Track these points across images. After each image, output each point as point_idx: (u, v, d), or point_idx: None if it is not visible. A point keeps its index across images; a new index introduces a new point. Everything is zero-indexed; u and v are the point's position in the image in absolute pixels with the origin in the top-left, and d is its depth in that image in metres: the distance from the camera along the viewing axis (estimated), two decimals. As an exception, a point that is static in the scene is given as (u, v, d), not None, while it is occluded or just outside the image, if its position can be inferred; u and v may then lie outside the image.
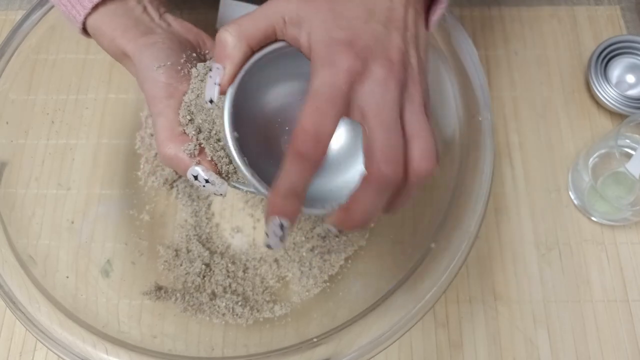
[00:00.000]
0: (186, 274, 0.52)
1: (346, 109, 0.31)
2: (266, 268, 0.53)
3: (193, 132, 0.36)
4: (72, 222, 0.53)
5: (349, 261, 0.53)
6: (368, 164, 0.31)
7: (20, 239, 0.46)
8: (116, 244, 0.54)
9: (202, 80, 0.37)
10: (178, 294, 0.50)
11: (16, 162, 0.52)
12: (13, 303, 0.42)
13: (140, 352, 0.41)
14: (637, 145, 0.56)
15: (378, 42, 0.32)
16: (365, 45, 0.31)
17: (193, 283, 0.51)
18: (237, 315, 0.49)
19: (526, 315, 0.52)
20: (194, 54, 0.40)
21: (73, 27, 0.41)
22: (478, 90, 0.46)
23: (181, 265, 0.52)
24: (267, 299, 0.51)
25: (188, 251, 0.53)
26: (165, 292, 0.50)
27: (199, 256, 0.53)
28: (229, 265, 0.53)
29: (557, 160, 0.58)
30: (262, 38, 0.34)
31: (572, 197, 0.56)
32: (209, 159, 0.36)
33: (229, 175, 0.37)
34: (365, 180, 0.31)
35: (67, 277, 0.48)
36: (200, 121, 0.36)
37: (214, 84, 0.34)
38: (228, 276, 0.52)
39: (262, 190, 0.34)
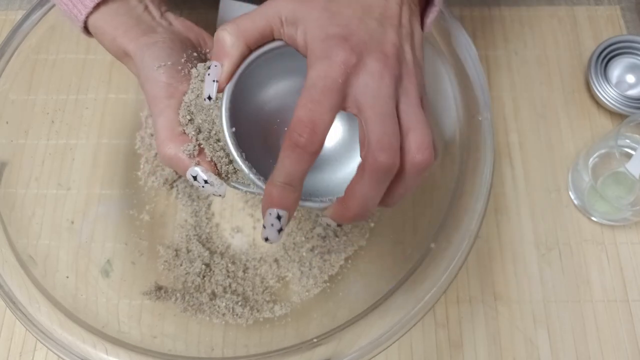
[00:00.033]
0: (186, 274, 0.52)
1: (342, 101, 0.31)
2: (266, 268, 0.53)
3: (193, 132, 0.36)
4: (72, 222, 0.53)
5: (349, 261, 0.53)
6: (364, 153, 0.31)
7: (20, 239, 0.46)
8: (116, 244, 0.54)
9: (202, 80, 0.37)
10: (178, 294, 0.50)
11: (16, 162, 0.52)
12: (13, 303, 0.42)
13: (140, 352, 0.41)
14: (637, 145, 0.56)
15: (373, 38, 0.32)
16: (360, 40, 0.32)
17: (193, 283, 0.51)
18: (237, 315, 0.49)
19: (526, 315, 0.52)
20: (195, 53, 0.40)
21: (74, 26, 0.41)
22: (478, 90, 0.46)
23: (181, 265, 0.52)
24: (267, 299, 0.51)
25: (188, 251, 0.53)
26: (165, 292, 0.50)
27: (199, 256, 0.53)
28: (229, 265, 0.53)
29: (557, 160, 0.58)
30: (260, 37, 0.35)
31: (572, 197, 0.56)
32: (209, 159, 0.36)
33: (229, 176, 0.37)
34: (361, 169, 0.31)
35: (67, 277, 0.48)
36: (200, 121, 0.36)
37: (212, 81, 0.35)
38: (228, 276, 0.52)
39: (260, 184, 0.34)
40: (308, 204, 0.35)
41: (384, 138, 0.31)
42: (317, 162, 0.39)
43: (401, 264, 0.43)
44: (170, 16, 0.42)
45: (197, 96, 0.37)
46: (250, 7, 0.51)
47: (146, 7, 0.41)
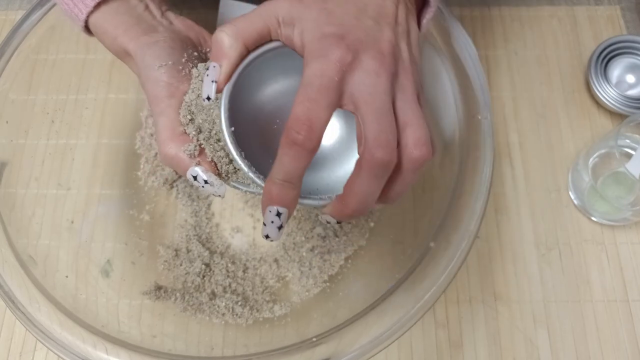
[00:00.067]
0: (186, 273, 0.52)
1: (338, 99, 0.31)
2: (266, 268, 0.53)
3: (193, 132, 0.36)
4: (72, 222, 0.53)
5: (349, 261, 0.53)
6: (361, 150, 0.31)
7: (20, 239, 0.46)
8: (116, 244, 0.54)
9: (202, 80, 0.37)
10: (178, 294, 0.50)
11: (16, 162, 0.52)
12: (13, 303, 0.42)
13: (140, 352, 0.41)
14: (637, 145, 0.56)
15: (369, 36, 0.33)
16: (356, 38, 0.32)
17: (193, 283, 0.51)
18: (236, 315, 0.49)
19: (526, 315, 0.52)
20: (195, 53, 0.40)
21: (75, 25, 0.41)
22: (478, 90, 0.46)
23: (181, 265, 0.52)
24: (267, 298, 0.51)
25: (188, 251, 0.53)
26: (165, 292, 0.50)
27: (198, 256, 0.53)
28: (229, 265, 0.53)
29: (557, 160, 0.58)
30: (258, 38, 0.35)
31: (572, 197, 0.56)
32: (209, 159, 0.36)
33: (229, 175, 0.37)
34: (359, 166, 0.31)
35: (67, 276, 0.48)
36: (200, 121, 0.36)
37: (211, 82, 0.35)
38: (228, 276, 0.52)
39: (259, 182, 0.34)
40: (307, 201, 0.35)
41: (381, 134, 0.31)
42: (316, 161, 0.39)
43: (401, 264, 0.43)
44: (171, 15, 0.42)
45: (198, 96, 0.37)
46: (250, 7, 0.51)
47: (147, 7, 0.41)
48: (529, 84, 0.62)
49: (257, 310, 0.50)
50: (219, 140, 0.36)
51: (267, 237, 0.33)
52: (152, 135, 0.58)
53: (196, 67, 0.38)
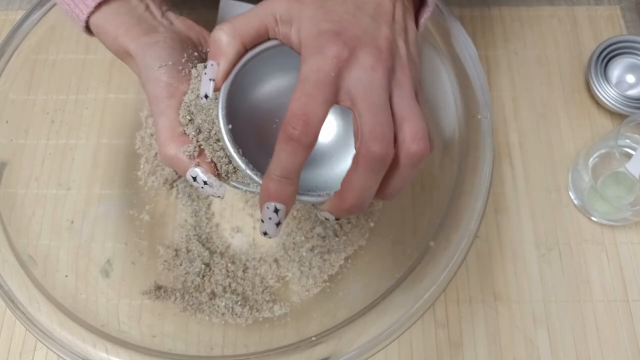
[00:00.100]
0: (186, 273, 0.52)
1: (335, 95, 0.31)
2: (266, 268, 0.53)
3: (193, 133, 0.36)
4: (72, 222, 0.53)
5: (349, 261, 0.53)
6: (357, 144, 0.32)
7: (20, 239, 0.46)
8: (116, 244, 0.54)
9: (201, 81, 0.37)
10: (177, 294, 0.50)
11: (16, 162, 0.52)
12: (13, 303, 0.42)
13: (140, 351, 0.41)
14: (637, 145, 0.56)
15: (366, 33, 0.33)
16: (353, 35, 0.32)
17: (193, 283, 0.51)
18: (236, 314, 0.49)
19: (526, 315, 0.52)
20: (195, 53, 0.40)
21: (76, 25, 0.41)
22: (478, 90, 0.46)
23: (181, 265, 0.52)
24: (267, 298, 0.51)
25: (188, 251, 0.53)
26: (164, 292, 0.50)
27: (198, 256, 0.53)
28: (229, 265, 0.53)
29: (557, 160, 0.58)
30: (255, 36, 0.35)
31: (572, 197, 0.56)
32: (209, 160, 0.36)
33: (229, 175, 0.37)
34: (355, 160, 0.32)
35: (67, 276, 0.48)
36: (200, 121, 0.36)
37: (209, 80, 0.35)
38: (228, 276, 0.52)
39: (257, 179, 0.34)
40: (305, 198, 0.35)
41: (377, 128, 0.31)
42: (314, 158, 0.39)
43: (401, 264, 0.43)
44: (171, 15, 0.43)
45: (197, 96, 0.37)
46: (249, 6, 0.51)
47: (147, 7, 0.41)
48: (529, 84, 0.62)
49: (257, 310, 0.50)
50: (218, 140, 0.36)
51: (265, 233, 0.33)
52: (152, 135, 0.58)
53: (196, 67, 0.38)
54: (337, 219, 0.35)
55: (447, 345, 0.51)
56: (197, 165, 0.36)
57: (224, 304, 0.49)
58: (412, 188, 0.52)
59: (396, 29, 0.34)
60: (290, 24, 0.34)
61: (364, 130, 0.31)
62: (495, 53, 0.63)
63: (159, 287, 0.51)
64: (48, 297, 0.43)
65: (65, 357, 0.40)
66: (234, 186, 0.37)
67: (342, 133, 0.41)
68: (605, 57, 0.60)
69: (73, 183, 0.55)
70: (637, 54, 0.61)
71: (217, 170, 0.37)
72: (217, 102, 0.35)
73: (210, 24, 0.45)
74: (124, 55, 0.40)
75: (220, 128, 0.35)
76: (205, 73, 0.35)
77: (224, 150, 0.36)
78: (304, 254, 0.52)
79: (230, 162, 0.36)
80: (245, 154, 0.35)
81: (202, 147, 0.36)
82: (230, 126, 0.35)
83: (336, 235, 0.53)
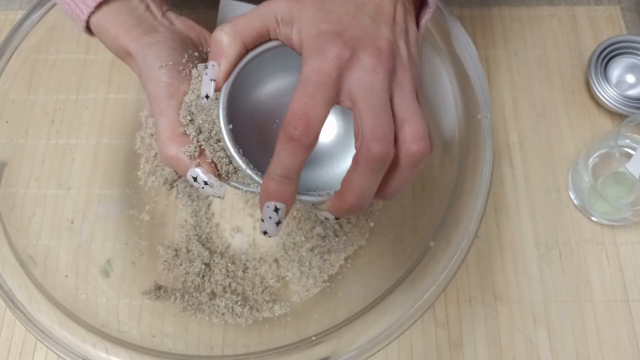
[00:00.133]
0: (186, 273, 0.52)
1: (336, 95, 0.32)
2: (266, 268, 0.53)
3: (193, 133, 0.36)
4: (72, 222, 0.53)
5: (349, 261, 0.53)
6: (357, 145, 0.32)
7: (20, 239, 0.46)
8: (116, 244, 0.54)
9: (202, 81, 0.37)
10: (177, 294, 0.50)
11: (16, 162, 0.52)
12: (13, 303, 0.42)
13: (140, 351, 0.41)
14: (637, 145, 0.56)
15: (367, 34, 0.33)
16: (353, 36, 0.32)
17: (193, 283, 0.51)
18: (236, 314, 0.49)
19: (526, 315, 0.52)
20: (196, 53, 0.40)
21: (76, 25, 0.41)
22: (478, 90, 0.46)
23: (181, 265, 0.52)
24: (267, 298, 0.51)
25: (188, 251, 0.53)
26: (164, 292, 0.50)
27: (198, 256, 0.53)
28: (229, 265, 0.53)
29: (557, 160, 0.58)
30: (256, 37, 0.35)
31: (572, 197, 0.56)
32: (209, 160, 0.36)
33: (229, 176, 0.37)
34: (355, 160, 0.32)
35: (67, 276, 0.48)
36: (200, 122, 0.36)
37: (210, 80, 0.35)
38: (228, 276, 0.52)
39: (257, 179, 0.34)
40: (305, 197, 0.35)
41: (377, 128, 0.31)
42: (314, 158, 0.39)
43: (401, 264, 0.43)
44: (172, 15, 0.43)
45: (198, 97, 0.37)
46: (250, 7, 0.51)
47: (148, 7, 0.41)
48: (529, 84, 0.62)
49: (257, 310, 0.50)
50: (218, 140, 0.36)
51: (265, 232, 0.33)
52: (152, 135, 0.58)
53: (196, 67, 0.38)
54: (337, 219, 0.35)
55: (447, 345, 0.51)
56: (198, 165, 0.36)
57: (224, 304, 0.49)
58: (412, 188, 0.52)
59: (397, 30, 0.34)
60: (291, 25, 0.34)
61: (365, 131, 0.31)
62: (495, 53, 0.63)
63: (159, 287, 0.51)
64: (48, 297, 0.43)
65: (65, 357, 0.40)
66: (235, 186, 0.37)
67: (342, 133, 0.41)
68: (605, 57, 0.60)
69: (73, 183, 0.55)
70: (637, 54, 0.61)
71: (218, 170, 0.37)
72: (218, 103, 0.35)
73: (210, 24, 0.45)
74: (124, 55, 0.40)
75: (221, 128, 0.35)
76: (206, 73, 0.35)
77: (224, 151, 0.36)
78: (304, 254, 0.52)
79: (230, 162, 0.36)
80: (246, 154, 0.35)
81: (202, 147, 0.36)
82: (230, 126, 0.35)
83: (336, 235, 0.53)
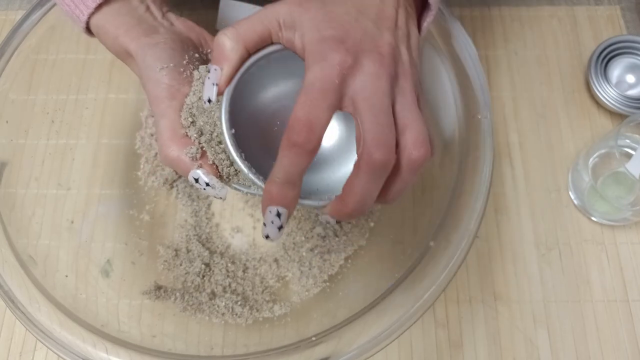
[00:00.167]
0: (186, 273, 0.52)
1: (338, 101, 0.32)
2: (266, 268, 0.53)
3: (195, 135, 0.36)
4: (72, 222, 0.54)
5: (349, 261, 0.53)
6: (359, 150, 0.32)
7: (20, 239, 0.46)
8: (116, 244, 0.54)
9: (204, 83, 0.37)
10: (177, 294, 0.50)
11: (16, 162, 0.52)
12: (13, 303, 0.42)
13: (140, 351, 0.41)
14: (637, 145, 0.56)
15: (369, 39, 0.33)
16: (356, 41, 0.32)
17: (193, 283, 0.51)
18: (236, 314, 0.49)
19: (526, 315, 0.52)
20: (196, 54, 0.40)
21: (76, 26, 0.41)
22: (478, 90, 0.46)
23: (181, 265, 0.52)
24: (267, 298, 0.51)
25: (188, 251, 0.53)
26: (164, 292, 0.50)
27: (198, 256, 0.53)
28: (229, 265, 0.53)
29: (557, 160, 0.58)
30: (259, 41, 0.35)
31: (572, 197, 0.56)
32: (210, 162, 0.37)
33: (230, 177, 0.37)
34: (357, 166, 0.32)
35: (67, 276, 0.48)
36: (202, 123, 0.36)
37: (212, 84, 0.35)
38: (228, 276, 0.52)
39: (260, 183, 0.35)
40: (307, 202, 0.35)
41: (379, 135, 0.31)
42: (316, 162, 0.39)
43: (401, 264, 0.43)
44: (172, 16, 0.43)
45: (199, 98, 0.37)
46: (250, 7, 0.51)
47: (148, 8, 0.41)
48: (529, 84, 0.62)
49: (257, 310, 0.50)
50: (220, 142, 0.36)
51: (267, 237, 0.33)
52: (152, 135, 0.58)
53: (197, 69, 0.38)
54: (337, 222, 0.35)
55: (447, 345, 0.51)
56: (199, 167, 0.36)
57: (224, 304, 0.49)
58: (413, 188, 0.52)
59: (399, 35, 0.34)
60: (293, 29, 0.34)
61: (367, 137, 0.31)
62: (495, 53, 0.63)
63: (159, 287, 0.51)
64: (48, 297, 0.43)
65: (65, 357, 0.40)
66: (236, 188, 0.37)
67: (343, 137, 0.41)
68: (605, 57, 0.60)
69: (73, 183, 0.55)
70: (637, 54, 0.61)
71: (219, 172, 0.37)
72: (220, 106, 0.35)
73: (210, 24, 0.45)
74: (124, 55, 0.40)
75: (223, 133, 0.35)
76: (208, 77, 0.35)
77: (225, 153, 0.36)
78: (304, 254, 0.52)
79: (231, 164, 0.37)
80: (248, 158, 0.35)
81: (203, 149, 0.37)
82: (233, 131, 0.35)
83: (336, 235, 0.53)
